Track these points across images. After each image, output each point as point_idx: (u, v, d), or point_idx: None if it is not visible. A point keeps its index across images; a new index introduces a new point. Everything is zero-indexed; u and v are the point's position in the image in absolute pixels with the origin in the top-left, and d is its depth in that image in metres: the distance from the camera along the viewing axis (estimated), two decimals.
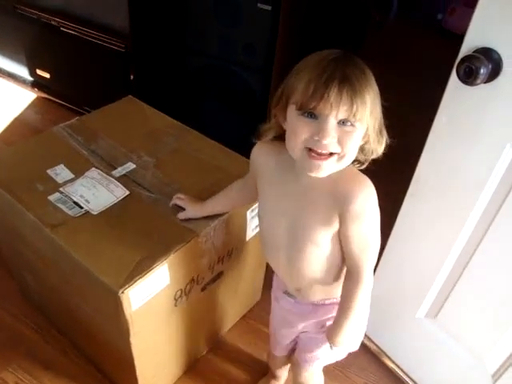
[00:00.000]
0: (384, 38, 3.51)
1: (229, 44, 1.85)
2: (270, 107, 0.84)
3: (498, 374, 1.16)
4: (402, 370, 1.39)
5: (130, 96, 1.50)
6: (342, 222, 0.81)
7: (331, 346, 0.93)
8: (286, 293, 1.02)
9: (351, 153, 0.76)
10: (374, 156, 0.82)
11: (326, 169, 0.76)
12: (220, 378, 1.39)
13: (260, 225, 0.97)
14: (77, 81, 2.24)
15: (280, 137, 0.84)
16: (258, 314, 1.57)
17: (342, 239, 0.84)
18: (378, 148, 0.81)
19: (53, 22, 2.08)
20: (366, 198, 0.80)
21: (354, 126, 0.74)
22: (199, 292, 1.19)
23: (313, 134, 0.73)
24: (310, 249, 0.86)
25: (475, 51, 0.87)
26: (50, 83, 2.33)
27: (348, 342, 0.92)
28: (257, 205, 1.20)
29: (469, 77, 0.85)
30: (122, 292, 0.93)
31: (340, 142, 0.74)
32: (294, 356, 1.14)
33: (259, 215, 0.96)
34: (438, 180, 1.07)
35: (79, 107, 2.27)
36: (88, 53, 2.06)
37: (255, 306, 1.59)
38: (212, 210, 1.11)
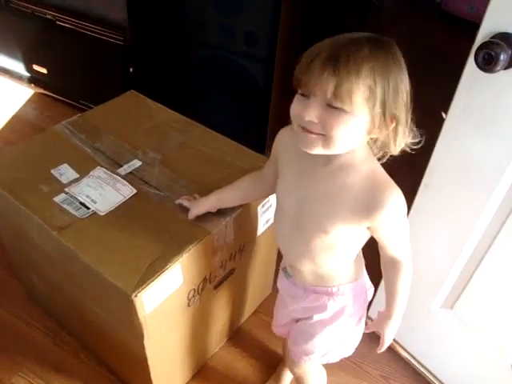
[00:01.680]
0: (383, 21, 3.47)
1: (230, 33, 1.81)
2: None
3: None
4: (417, 361, 1.38)
5: (132, 90, 1.47)
6: (373, 228, 0.81)
7: (383, 341, 0.97)
8: (284, 269, 1.02)
9: (338, 138, 0.72)
10: (393, 152, 0.78)
11: (313, 144, 0.74)
12: (234, 375, 1.38)
13: (276, 198, 0.96)
14: (75, 75, 2.19)
15: None
16: (270, 308, 1.53)
17: (373, 235, 0.85)
18: (393, 143, 0.76)
19: (48, 16, 2.03)
20: (395, 205, 0.77)
21: (342, 110, 0.70)
22: (211, 290, 1.17)
23: (299, 112, 0.73)
24: (317, 234, 0.85)
25: (493, 37, 0.84)
26: (47, 78, 2.29)
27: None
28: (267, 200, 1.20)
29: (488, 64, 0.82)
30: (136, 295, 0.91)
31: (323, 124, 0.72)
32: (288, 345, 1.13)
33: (277, 191, 0.94)
34: (454, 169, 1.04)
35: (78, 102, 2.24)
36: (85, 46, 2.02)
37: (266, 300, 1.57)
38: (218, 202, 1.07)
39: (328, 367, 1.38)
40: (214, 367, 1.39)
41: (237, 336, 1.47)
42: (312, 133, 0.73)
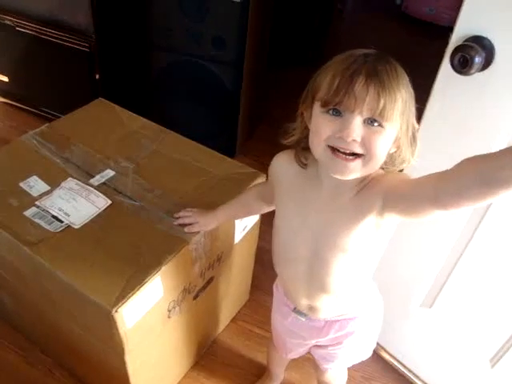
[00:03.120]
0: (346, 23, 3.51)
1: (197, 38, 1.79)
2: (299, 106, 0.78)
3: (496, 359, 1.16)
4: (398, 362, 1.39)
5: (101, 98, 1.43)
6: (392, 204, 0.72)
7: None
8: (296, 311, 0.96)
9: (379, 156, 0.70)
10: (405, 166, 0.77)
11: (351, 171, 0.70)
12: None
13: (276, 237, 0.90)
14: (38, 83, 2.12)
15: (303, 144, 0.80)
16: (248, 315, 1.54)
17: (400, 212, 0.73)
18: (409, 157, 0.75)
19: (7, 22, 1.95)
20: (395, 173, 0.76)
21: (382, 127, 0.68)
22: (191, 300, 1.15)
23: (335, 132, 0.69)
24: (336, 257, 0.81)
25: (467, 40, 0.86)
26: (8, 87, 2.21)
27: None
28: None
29: (464, 67, 0.83)
30: (116, 311, 0.88)
31: (365, 143, 0.68)
32: (315, 358, 1.10)
33: (276, 227, 0.89)
34: (432, 171, 1.05)
35: (42, 111, 2.16)
36: (48, 53, 1.95)
37: (244, 307, 1.56)
38: (225, 217, 1.06)
39: (310, 371, 1.39)
40: (194, 377, 1.36)
41: (216, 344, 1.45)
42: (351, 155, 0.69)
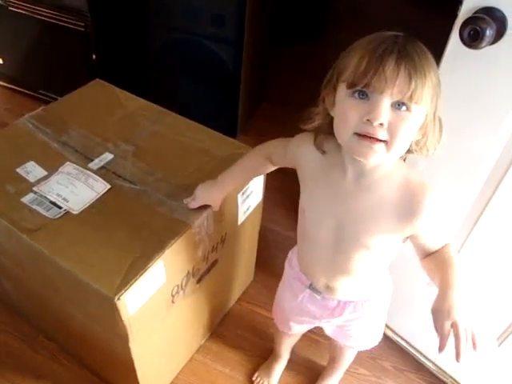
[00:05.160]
0: (346, 0, 3.43)
1: (196, 16, 1.74)
2: (321, 90, 0.74)
3: (503, 337, 1.16)
4: (405, 341, 1.38)
5: (98, 79, 1.39)
6: (415, 234, 0.77)
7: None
8: (312, 287, 0.95)
9: (402, 144, 0.67)
10: (430, 154, 0.74)
11: (375, 152, 0.66)
12: (221, 366, 1.35)
13: (302, 219, 0.89)
14: (33, 65, 2.07)
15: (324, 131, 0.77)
16: (253, 296, 1.52)
17: (415, 238, 0.79)
18: (435, 145, 0.72)
19: None
20: (434, 205, 0.74)
21: (410, 112, 0.65)
22: (195, 284, 1.13)
23: (362, 115, 0.65)
24: (359, 251, 0.80)
25: (477, 12, 0.82)
26: (3, 69, 2.16)
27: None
28: (248, 187, 1.16)
29: (474, 40, 0.79)
30: (118, 298, 0.86)
31: (390, 128, 0.65)
32: (331, 336, 1.10)
33: (302, 209, 0.87)
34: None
35: (38, 93, 2.12)
36: (43, 33, 1.90)
37: (248, 288, 1.54)
38: (228, 186, 1.01)
39: (317, 349, 1.39)
40: (201, 360, 1.36)
41: (221, 326, 1.44)
42: (375, 140, 0.65)
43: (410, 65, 0.63)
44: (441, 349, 0.67)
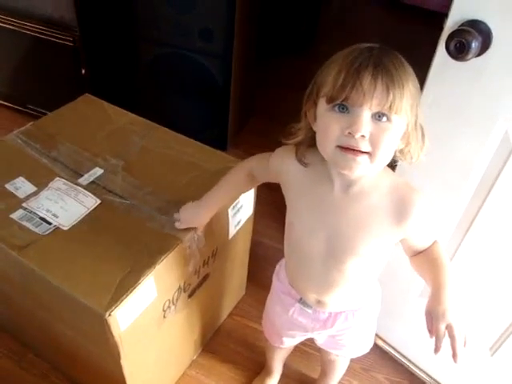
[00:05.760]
0: (334, 13, 3.46)
1: (184, 30, 1.75)
2: (303, 105, 0.75)
3: (495, 347, 1.16)
4: (397, 352, 1.38)
5: (87, 94, 1.39)
6: (407, 238, 0.79)
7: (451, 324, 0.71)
8: (302, 302, 0.95)
9: (385, 154, 0.68)
10: (414, 161, 0.75)
11: (358, 164, 0.67)
12: (214, 382, 1.33)
13: (289, 233, 0.89)
14: (22, 80, 2.06)
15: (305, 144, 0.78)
16: (244, 310, 1.52)
17: (406, 240, 0.81)
18: (418, 153, 0.73)
19: None
20: (423, 208, 0.75)
21: (391, 122, 0.66)
22: (186, 299, 1.12)
23: (344, 129, 0.66)
24: (352, 261, 0.81)
25: (463, 24, 0.83)
26: None
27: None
28: (238, 201, 1.16)
29: (460, 52, 0.81)
30: (109, 314, 0.85)
31: (372, 139, 0.65)
32: (322, 348, 1.10)
33: (289, 223, 0.87)
34: (426, 161, 1.03)
35: (28, 108, 2.11)
36: (32, 48, 1.90)
37: (240, 302, 1.54)
38: (213, 206, 1.00)
39: (310, 362, 1.38)
40: (193, 375, 1.34)
41: (214, 341, 1.43)
42: (358, 152, 0.66)
43: (386, 76, 0.64)
44: (436, 350, 0.69)
